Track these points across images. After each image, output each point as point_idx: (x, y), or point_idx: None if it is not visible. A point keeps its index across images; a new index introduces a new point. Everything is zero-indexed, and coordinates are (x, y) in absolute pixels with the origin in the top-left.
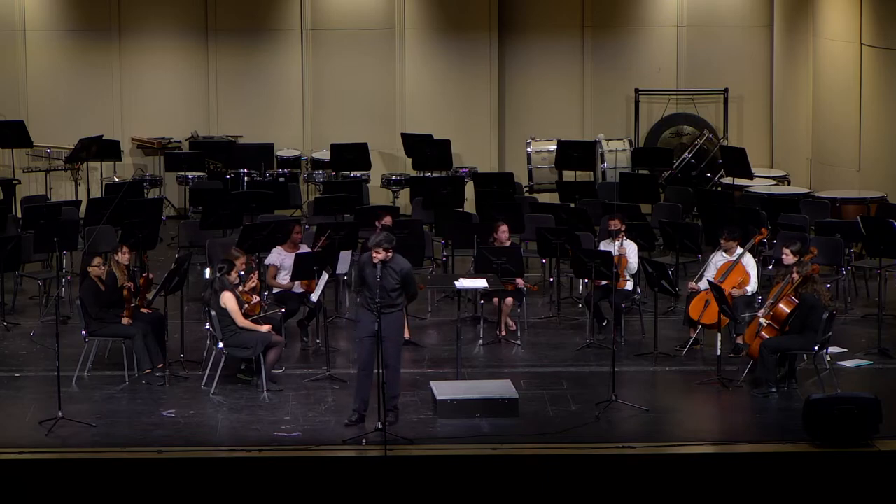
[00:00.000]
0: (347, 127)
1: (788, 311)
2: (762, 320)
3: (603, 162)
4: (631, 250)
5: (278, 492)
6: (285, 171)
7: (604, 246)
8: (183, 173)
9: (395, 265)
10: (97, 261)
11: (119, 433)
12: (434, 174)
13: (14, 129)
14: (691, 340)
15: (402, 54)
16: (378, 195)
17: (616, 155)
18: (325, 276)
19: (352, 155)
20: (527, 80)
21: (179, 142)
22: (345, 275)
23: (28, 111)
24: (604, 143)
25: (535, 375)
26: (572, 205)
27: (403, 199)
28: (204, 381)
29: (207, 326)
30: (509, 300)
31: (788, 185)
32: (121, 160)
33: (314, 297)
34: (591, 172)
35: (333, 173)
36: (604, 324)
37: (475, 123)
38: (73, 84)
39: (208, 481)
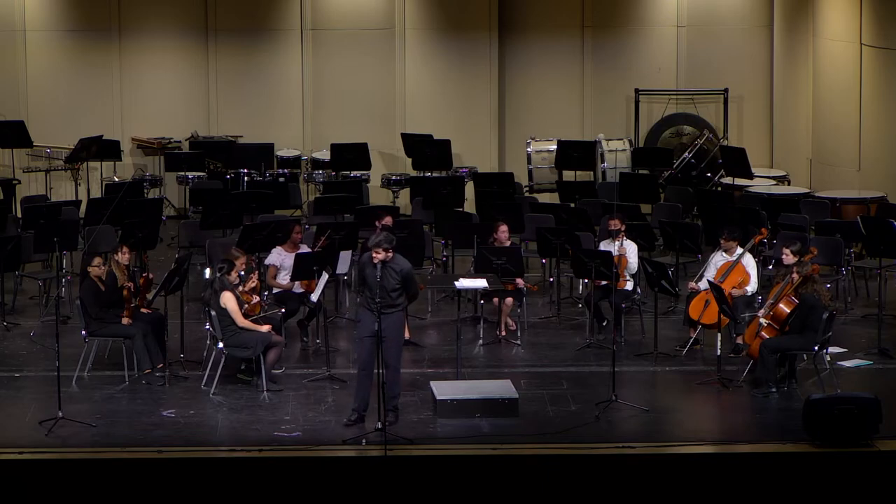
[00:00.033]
0: (347, 127)
1: (788, 311)
2: (762, 320)
3: (603, 162)
4: (631, 250)
5: (278, 492)
6: (285, 171)
7: (604, 246)
8: (183, 173)
9: (395, 265)
10: (97, 261)
11: (119, 433)
12: (434, 174)
13: (14, 129)
14: (691, 340)
15: (402, 54)
16: (378, 195)
17: (616, 155)
18: (325, 276)
19: (352, 155)
20: (527, 80)
21: (179, 142)
22: (345, 275)
23: (28, 111)
24: (604, 143)
25: (535, 375)
26: (572, 205)
27: (403, 199)
28: (204, 381)
29: (207, 326)
30: (509, 300)
31: (788, 185)
32: (121, 160)
33: (314, 297)
34: (591, 172)
35: (333, 173)
36: (604, 324)
37: (475, 123)
38: (73, 84)
39: (208, 481)
